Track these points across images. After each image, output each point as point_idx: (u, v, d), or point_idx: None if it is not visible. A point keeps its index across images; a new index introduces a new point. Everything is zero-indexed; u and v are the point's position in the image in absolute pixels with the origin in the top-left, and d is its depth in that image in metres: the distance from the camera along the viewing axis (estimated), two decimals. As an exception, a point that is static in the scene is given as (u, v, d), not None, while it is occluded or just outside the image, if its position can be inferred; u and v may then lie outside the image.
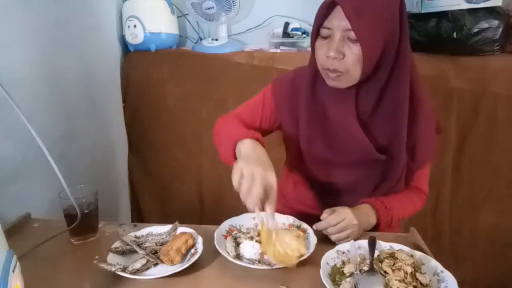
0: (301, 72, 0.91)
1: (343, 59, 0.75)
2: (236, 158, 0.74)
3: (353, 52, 0.74)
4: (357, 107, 0.83)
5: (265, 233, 0.72)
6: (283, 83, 0.93)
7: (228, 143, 0.76)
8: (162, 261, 0.70)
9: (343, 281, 0.63)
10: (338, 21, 0.73)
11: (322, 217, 0.78)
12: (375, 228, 0.85)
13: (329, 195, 0.90)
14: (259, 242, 0.73)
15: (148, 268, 0.69)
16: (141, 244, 0.75)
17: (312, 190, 0.94)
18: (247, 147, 0.73)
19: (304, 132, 0.88)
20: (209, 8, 1.54)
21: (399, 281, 0.61)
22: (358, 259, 0.69)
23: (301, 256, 0.69)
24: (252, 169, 0.66)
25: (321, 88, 0.85)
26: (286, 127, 0.93)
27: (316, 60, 0.81)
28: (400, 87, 0.80)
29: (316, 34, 0.79)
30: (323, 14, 0.75)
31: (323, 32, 0.77)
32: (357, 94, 0.82)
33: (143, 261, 0.69)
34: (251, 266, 0.69)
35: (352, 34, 0.72)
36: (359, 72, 0.76)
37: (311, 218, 0.82)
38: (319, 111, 0.86)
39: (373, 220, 0.83)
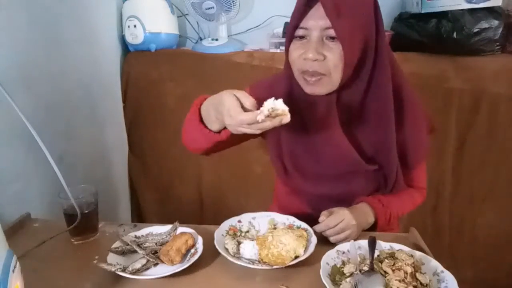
0: (278, 79, 0.85)
1: (324, 60, 0.70)
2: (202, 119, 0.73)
3: (334, 53, 0.70)
4: (339, 116, 0.78)
5: (261, 239, 0.73)
6: (259, 92, 0.85)
7: (192, 122, 0.74)
8: (162, 261, 0.70)
9: (343, 281, 0.63)
10: (315, 21, 0.69)
11: (320, 219, 0.78)
12: (374, 226, 0.85)
13: (322, 206, 0.83)
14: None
15: (148, 268, 0.69)
16: (141, 244, 0.75)
17: (305, 200, 0.90)
18: (204, 104, 0.73)
19: (286, 147, 0.85)
20: (209, 8, 1.54)
21: (399, 281, 0.61)
22: (358, 259, 0.69)
23: (297, 257, 0.69)
24: (217, 109, 0.67)
25: (299, 98, 0.79)
26: (267, 139, 0.89)
27: (291, 63, 0.76)
28: (382, 90, 0.76)
29: (291, 36, 0.74)
30: (300, 14, 0.70)
31: (298, 32, 0.72)
32: (338, 102, 0.78)
33: (143, 261, 0.69)
34: (251, 266, 0.69)
35: (331, 33, 0.69)
36: (340, 75, 0.72)
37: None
38: (299, 124, 0.81)
39: (371, 219, 0.83)
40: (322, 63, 0.71)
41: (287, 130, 0.83)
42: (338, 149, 0.80)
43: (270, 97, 0.79)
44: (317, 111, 0.79)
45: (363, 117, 0.80)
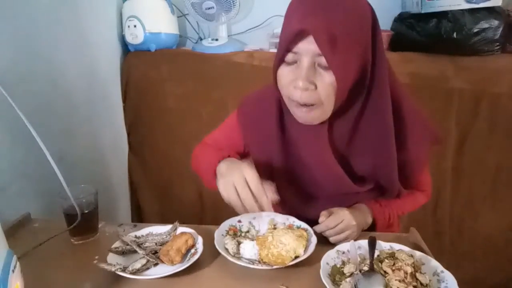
0: (266, 96, 0.82)
1: (315, 90, 0.65)
2: None
3: (326, 82, 0.64)
4: (332, 141, 0.76)
5: (261, 239, 0.73)
6: (248, 113, 0.86)
7: (208, 172, 0.75)
8: (162, 261, 0.70)
9: (343, 281, 0.63)
10: (307, 45, 0.63)
11: (320, 220, 0.78)
12: (374, 227, 0.85)
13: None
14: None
15: (148, 268, 0.69)
16: (141, 244, 0.75)
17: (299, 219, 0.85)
18: (223, 167, 0.73)
19: (278, 168, 0.82)
20: (209, 8, 1.54)
21: (399, 281, 0.61)
22: (358, 259, 0.69)
23: (297, 257, 0.69)
24: (230, 178, 0.68)
25: (290, 121, 0.76)
26: (256, 159, 0.86)
27: (280, 88, 0.71)
28: (379, 113, 0.73)
29: (280, 60, 0.68)
30: (291, 40, 0.64)
31: (288, 57, 0.66)
32: (330, 127, 0.75)
33: (143, 261, 0.69)
34: (251, 266, 0.69)
35: (323, 61, 0.63)
36: (333, 103, 0.67)
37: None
38: (292, 146, 0.79)
39: (369, 220, 0.83)
40: (312, 93, 0.66)
41: (278, 150, 0.81)
42: (329, 172, 0.78)
43: (260, 114, 0.82)
44: (308, 136, 0.76)
45: (359, 140, 0.77)
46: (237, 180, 0.67)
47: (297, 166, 0.81)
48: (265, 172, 0.84)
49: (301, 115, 0.71)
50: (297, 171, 0.82)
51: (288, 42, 0.64)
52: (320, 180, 0.80)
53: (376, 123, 0.74)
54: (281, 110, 0.79)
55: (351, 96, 0.70)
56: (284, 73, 0.69)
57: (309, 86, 0.65)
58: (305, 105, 0.68)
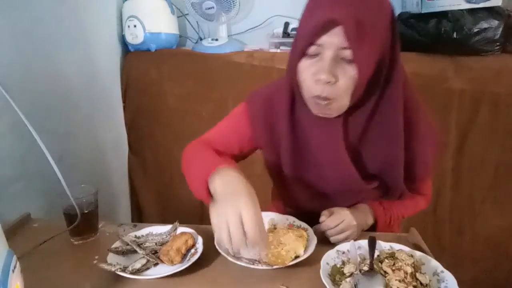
0: (278, 90, 0.80)
1: (335, 83, 0.65)
2: (211, 196, 0.66)
3: (347, 75, 0.64)
4: (345, 136, 0.75)
5: None
6: (258, 105, 0.83)
7: (199, 186, 0.68)
8: (162, 261, 0.70)
9: (343, 281, 0.63)
10: (330, 38, 0.62)
11: (320, 219, 0.78)
12: (374, 228, 0.85)
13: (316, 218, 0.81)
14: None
15: (148, 268, 0.69)
16: (141, 244, 0.75)
17: (302, 216, 0.85)
18: (217, 185, 0.65)
19: (287, 162, 0.81)
20: (209, 8, 1.54)
21: (399, 281, 0.61)
22: (358, 259, 0.69)
23: (297, 257, 0.69)
24: (224, 214, 0.60)
25: (302, 115, 0.76)
26: (266, 153, 0.85)
27: (301, 83, 0.70)
28: (392, 108, 0.72)
29: (301, 53, 0.67)
30: (316, 31, 0.62)
31: (310, 50, 0.65)
32: (344, 122, 0.74)
33: (143, 261, 0.69)
34: (251, 266, 0.69)
35: (346, 54, 0.62)
36: (349, 98, 0.67)
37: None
38: (303, 140, 0.79)
39: (370, 221, 0.83)
40: (333, 87, 0.65)
41: (291, 148, 0.80)
42: (340, 169, 0.77)
43: (270, 109, 0.81)
44: (321, 130, 0.76)
45: (370, 135, 0.76)
46: (231, 218, 0.59)
47: (307, 162, 0.81)
48: (274, 167, 0.85)
49: (319, 108, 0.70)
50: (306, 167, 0.81)
51: (313, 34, 0.63)
52: (330, 176, 0.80)
53: (388, 119, 0.74)
54: (293, 106, 0.78)
55: (367, 90, 0.69)
56: (306, 66, 0.67)
57: (330, 79, 0.64)
58: (325, 98, 0.66)
